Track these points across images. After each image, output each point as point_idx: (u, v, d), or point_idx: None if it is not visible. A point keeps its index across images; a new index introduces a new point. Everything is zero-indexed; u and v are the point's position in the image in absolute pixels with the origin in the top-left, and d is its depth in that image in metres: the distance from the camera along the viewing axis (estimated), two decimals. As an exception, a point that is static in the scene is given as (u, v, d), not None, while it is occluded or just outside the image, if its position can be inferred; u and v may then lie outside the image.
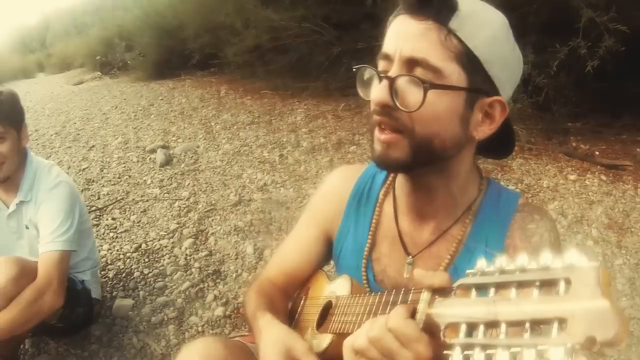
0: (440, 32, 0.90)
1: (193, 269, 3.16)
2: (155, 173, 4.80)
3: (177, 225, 3.73)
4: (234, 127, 5.75)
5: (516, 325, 0.57)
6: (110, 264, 3.33)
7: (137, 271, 3.22)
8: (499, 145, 1.12)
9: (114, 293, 3.02)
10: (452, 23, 0.90)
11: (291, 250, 1.40)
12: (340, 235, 1.30)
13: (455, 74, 0.92)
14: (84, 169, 5.14)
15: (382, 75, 0.96)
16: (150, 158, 5.19)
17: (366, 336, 0.80)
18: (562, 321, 0.52)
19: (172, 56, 8.74)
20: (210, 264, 3.21)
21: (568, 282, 0.54)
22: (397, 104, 0.93)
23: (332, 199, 1.34)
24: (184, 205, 4.04)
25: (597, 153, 3.79)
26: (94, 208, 4.20)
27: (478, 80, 0.95)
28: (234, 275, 3.07)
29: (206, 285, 3.01)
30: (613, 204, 3.25)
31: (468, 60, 0.92)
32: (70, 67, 12.74)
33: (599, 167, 3.63)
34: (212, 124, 6.00)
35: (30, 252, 2.39)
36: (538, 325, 0.55)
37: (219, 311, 2.75)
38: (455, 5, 0.91)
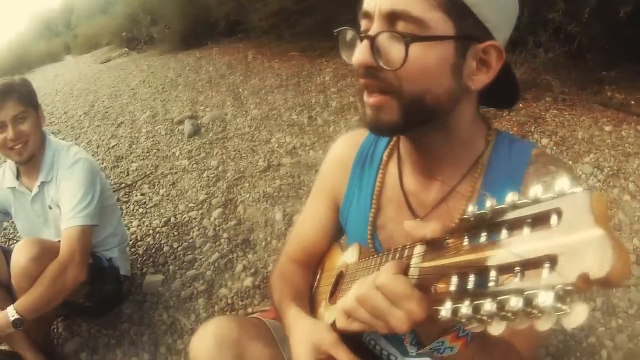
0: None
1: (222, 240, 3.10)
2: (183, 144, 4.74)
3: (206, 196, 3.67)
4: (262, 92, 5.63)
5: (506, 270, 0.50)
6: (140, 240, 3.30)
7: (167, 245, 3.18)
8: (501, 93, 1.02)
9: (144, 269, 2.99)
10: None
11: (306, 227, 1.37)
12: (346, 202, 1.24)
13: (440, 22, 0.84)
14: (112, 147, 5.13)
15: (362, 35, 0.89)
16: (178, 129, 5.12)
17: (354, 296, 0.77)
18: (552, 260, 0.45)
19: (198, 26, 8.63)
20: (239, 233, 3.14)
21: (559, 213, 0.47)
22: (381, 63, 0.86)
23: (337, 167, 1.29)
24: (213, 175, 3.97)
25: (632, 103, 3.55)
26: (123, 185, 4.17)
27: (467, 26, 0.86)
28: (263, 243, 2.99)
29: (235, 255, 2.95)
30: (650, 156, 3.05)
31: (453, 5, 0.84)
32: (97, 47, 12.72)
33: (635, 117, 3.40)
34: (240, 90, 5.88)
35: (57, 234, 2.38)
36: (529, 267, 0.48)
37: (248, 282, 2.69)
38: None
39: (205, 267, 2.88)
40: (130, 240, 3.29)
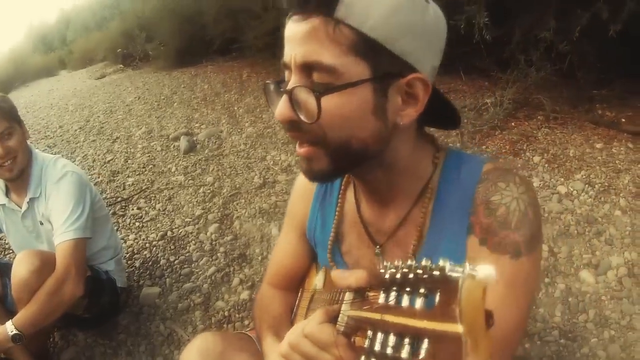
0: (328, 26, 0.80)
1: (219, 254, 3.12)
2: (179, 160, 4.77)
3: (202, 211, 3.69)
4: (257, 110, 5.67)
5: (399, 336, 0.51)
6: (137, 253, 3.31)
7: (163, 259, 3.19)
8: (441, 116, 1.00)
9: (141, 282, 3.00)
10: (339, 12, 0.79)
11: (281, 254, 1.41)
12: (310, 231, 1.27)
13: (354, 67, 0.81)
14: (108, 161, 5.15)
15: (281, 89, 0.89)
16: (174, 146, 5.16)
17: (287, 342, 0.82)
18: (418, 340, 0.46)
19: (193, 43, 8.68)
20: (235, 247, 3.16)
21: (440, 291, 0.46)
22: (301, 117, 0.84)
23: (300, 198, 1.31)
24: (209, 191, 3.99)
25: (623, 120, 3.61)
26: (119, 199, 4.19)
27: (384, 64, 0.83)
28: (259, 258, 3.01)
29: (232, 269, 2.96)
30: (641, 172, 3.11)
31: (365, 46, 0.81)
32: (92, 62, 12.76)
33: (625, 134, 3.46)
34: (235, 108, 5.93)
35: (50, 249, 2.37)
36: (406, 338, 0.49)
37: (245, 295, 2.70)
38: None
39: (202, 280, 2.89)
40: (127, 253, 3.30)
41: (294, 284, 1.40)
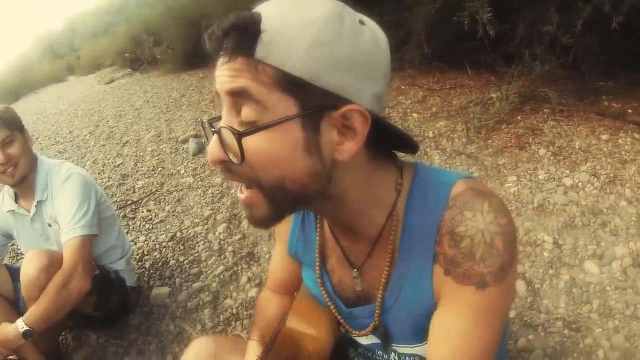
0: (251, 66, 0.76)
1: (227, 253, 3.15)
2: (188, 163, 4.81)
3: (211, 212, 3.73)
4: (263, 111, 5.69)
5: None
6: (147, 255, 3.36)
7: (173, 260, 3.23)
8: (396, 143, 0.97)
9: (151, 283, 3.05)
10: (259, 53, 0.75)
11: (276, 262, 1.42)
12: (292, 249, 1.26)
13: (280, 104, 0.77)
14: (118, 165, 5.21)
15: (213, 129, 0.84)
16: (183, 148, 5.20)
17: None
18: None
19: (200, 46, 8.66)
20: (244, 247, 3.20)
21: None
22: (231, 158, 0.80)
23: None
24: (218, 192, 4.03)
25: (629, 111, 3.61)
26: (129, 202, 4.25)
27: (313, 99, 0.78)
28: (267, 256, 3.04)
29: (240, 268, 3.00)
30: (647, 162, 3.11)
31: (290, 83, 0.76)
32: (100, 68, 12.85)
33: (631, 125, 3.45)
34: (243, 109, 5.95)
35: (60, 249, 2.41)
36: None
37: (253, 292, 2.73)
38: (257, 32, 0.75)
39: (211, 280, 2.93)
40: (138, 255, 3.35)
41: (291, 289, 1.41)
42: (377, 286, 1.04)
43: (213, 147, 0.82)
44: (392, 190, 0.97)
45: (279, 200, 0.85)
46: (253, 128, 0.77)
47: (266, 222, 0.89)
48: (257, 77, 0.76)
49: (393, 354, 1.14)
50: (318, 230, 1.15)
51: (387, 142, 0.94)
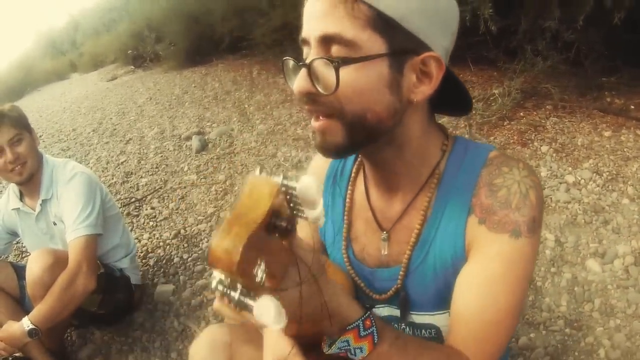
0: (346, 2, 0.84)
1: (230, 250, 3.15)
2: (191, 160, 4.82)
3: (215, 209, 3.74)
4: (267, 107, 5.70)
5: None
6: (151, 252, 3.38)
7: (177, 257, 3.25)
8: (453, 101, 1.03)
9: (155, 280, 3.07)
10: None
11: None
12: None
13: (371, 41, 0.85)
14: (122, 163, 5.23)
15: (300, 63, 0.91)
16: (186, 145, 5.21)
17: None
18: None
19: (202, 42, 8.70)
20: (247, 244, 3.20)
21: None
22: (319, 89, 0.87)
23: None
24: (221, 189, 4.05)
25: (632, 107, 3.61)
26: (133, 199, 4.26)
27: (399, 41, 0.87)
28: (270, 253, 3.05)
29: (243, 265, 3.00)
30: (649, 159, 3.11)
31: (382, 23, 0.85)
32: (103, 64, 12.82)
33: (634, 121, 3.45)
34: (246, 105, 5.96)
35: (64, 248, 2.45)
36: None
37: (256, 289, 2.74)
38: None
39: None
40: (142, 252, 3.37)
41: None
42: (404, 250, 1.07)
43: (302, 79, 0.89)
44: (438, 149, 1.06)
45: (355, 131, 0.91)
46: (349, 60, 0.85)
47: (338, 149, 0.95)
48: (351, 14, 0.84)
49: (409, 327, 1.15)
50: (348, 194, 1.20)
51: (445, 99, 0.99)
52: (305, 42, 0.91)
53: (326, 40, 0.86)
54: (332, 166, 1.26)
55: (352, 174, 1.21)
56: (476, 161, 1.02)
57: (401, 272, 1.08)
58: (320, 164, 1.31)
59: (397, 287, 1.10)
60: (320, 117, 0.92)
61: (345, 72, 0.84)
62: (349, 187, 1.20)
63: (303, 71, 0.89)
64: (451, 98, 1.01)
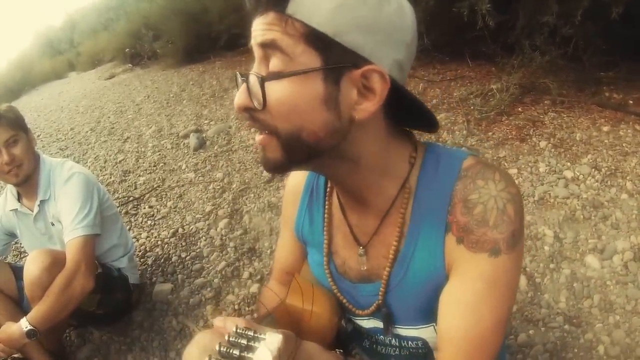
0: (281, 20, 0.82)
1: (229, 249, 3.16)
2: (189, 158, 4.81)
3: (213, 207, 3.74)
4: (264, 105, 5.68)
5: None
6: (149, 251, 3.37)
7: (175, 256, 3.24)
8: (415, 119, 0.99)
9: (154, 279, 3.06)
10: (289, 9, 0.81)
11: (281, 252, 1.44)
12: (297, 231, 1.29)
13: (304, 56, 0.83)
14: (120, 161, 5.22)
15: (242, 77, 0.89)
16: (184, 143, 5.20)
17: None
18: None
19: (200, 40, 8.68)
20: (245, 242, 3.21)
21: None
22: (255, 104, 0.86)
23: (290, 197, 1.32)
24: (219, 187, 4.04)
25: (630, 102, 3.60)
26: (131, 198, 4.25)
27: (335, 55, 0.83)
28: (268, 251, 3.05)
29: (242, 263, 3.01)
30: (648, 154, 3.10)
31: (316, 38, 0.82)
32: (100, 63, 12.78)
33: (632, 116, 3.44)
34: (243, 103, 5.94)
35: (62, 248, 2.43)
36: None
37: (254, 288, 2.75)
38: None
39: (213, 275, 2.94)
40: (140, 251, 3.36)
41: None
42: (384, 265, 1.06)
43: (239, 93, 0.88)
44: (405, 162, 1.01)
45: (292, 149, 0.89)
46: (279, 75, 0.83)
47: (277, 166, 0.93)
48: (286, 30, 0.82)
49: (395, 339, 1.15)
50: (326, 208, 1.18)
51: (407, 114, 0.97)
52: (252, 51, 0.90)
53: (265, 49, 0.85)
54: (308, 182, 1.25)
55: (328, 190, 1.19)
56: (450, 173, 0.98)
57: (381, 289, 1.07)
58: (296, 180, 1.30)
59: (379, 303, 1.09)
60: (262, 132, 0.90)
61: (277, 87, 0.83)
62: (326, 203, 1.19)
63: (243, 86, 0.87)
64: (413, 113, 0.97)
